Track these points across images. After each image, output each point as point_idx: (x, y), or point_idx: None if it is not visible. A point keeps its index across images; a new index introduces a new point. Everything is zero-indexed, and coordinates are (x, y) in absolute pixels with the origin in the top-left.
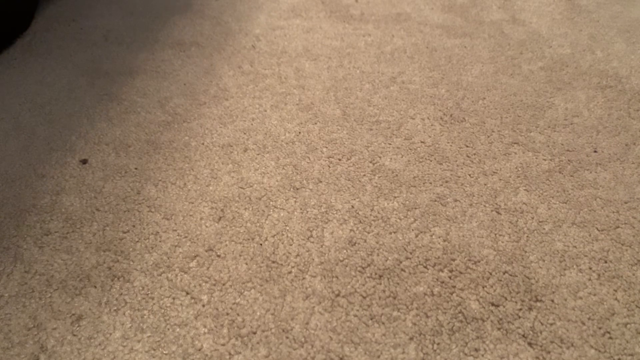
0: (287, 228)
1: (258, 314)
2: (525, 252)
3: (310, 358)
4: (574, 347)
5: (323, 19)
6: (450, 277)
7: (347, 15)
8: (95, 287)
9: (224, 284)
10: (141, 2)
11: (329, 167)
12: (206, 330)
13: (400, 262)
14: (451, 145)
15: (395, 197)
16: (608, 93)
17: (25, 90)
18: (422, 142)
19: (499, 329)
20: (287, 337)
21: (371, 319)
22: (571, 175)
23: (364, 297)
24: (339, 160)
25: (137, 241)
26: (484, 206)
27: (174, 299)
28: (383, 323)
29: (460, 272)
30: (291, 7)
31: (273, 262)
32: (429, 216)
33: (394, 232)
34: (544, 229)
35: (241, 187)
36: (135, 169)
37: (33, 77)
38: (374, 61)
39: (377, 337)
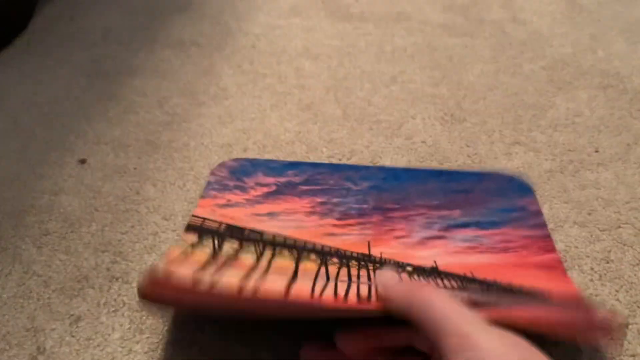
0: None
1: None
2: None
3: None
4: (575, 348)
5: (323, 18)
6: None
7: (347, 14)
8: (93, 288)
9: None
10: (140, 1)
11: None
12: None
13: None
14: (452, 145)
15: None
16: (609, 93)
17: (23, 90)
18: (422, 142)
19: None
20: None
21: None
22: (572, 175)
23: None
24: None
25: (136, 242)
26: None
27: None
28: None
29: None
30: (291, 7)
31: None
32: None
33: None
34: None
35: None
36: (134, 169)
37: (31, 77)
38: (374, 60)
39: None
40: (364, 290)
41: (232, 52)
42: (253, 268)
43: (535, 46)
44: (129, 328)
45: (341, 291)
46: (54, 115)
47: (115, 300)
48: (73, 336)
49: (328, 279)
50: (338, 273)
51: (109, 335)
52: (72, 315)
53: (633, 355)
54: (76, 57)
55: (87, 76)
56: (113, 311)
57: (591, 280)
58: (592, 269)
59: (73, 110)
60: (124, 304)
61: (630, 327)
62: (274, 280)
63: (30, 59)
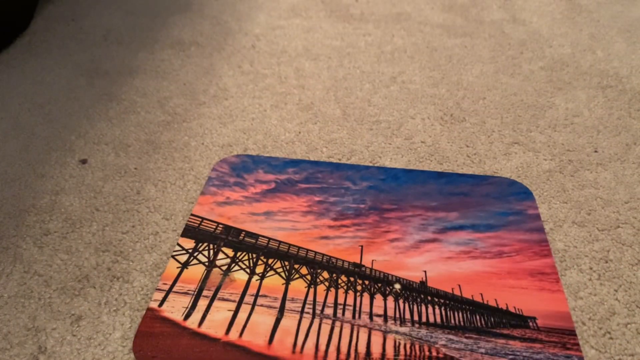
0: None
1: None
2: None
3: None
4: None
5: (323, 18)
6: None
7: (347, 14)
8: (94, 287)
9: None
10: (141, 1)
11: None
12: None
13: None
14: (451, 145)
15: None
16: (609, 93)
17: (24, 90)
18: (422, 142)
19: None
20: None
21: None
22: (571, 175)
23: None
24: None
25: (137, 241)
26: None
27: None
28: None
29: None
30: (291, 7)
31: None
32: None
33: None
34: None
35: None
36: (135, 169)
37: (32, 77)
38: (374, 61)
39: None
40: (345, 338)
41: (232, 52)
42: (244, 290)
43: (534, 46)
44: (130, 327)
45: (323, 342)
46: (55, 115)
47: (116, 299)
48: (74, 335)
49: (314, 315)
50: (324, 302)
51: (110, 334)
52: (73, 314)
53: (632, 355)
54: (77, 58)
55: (87, 76)
56: (114, 310)
57: (590, 279)
58: (590, 268)
59: (74, 110)
60: (125, 303)
61: (629, 326)
62: (259, 323)
63: (31, 59)
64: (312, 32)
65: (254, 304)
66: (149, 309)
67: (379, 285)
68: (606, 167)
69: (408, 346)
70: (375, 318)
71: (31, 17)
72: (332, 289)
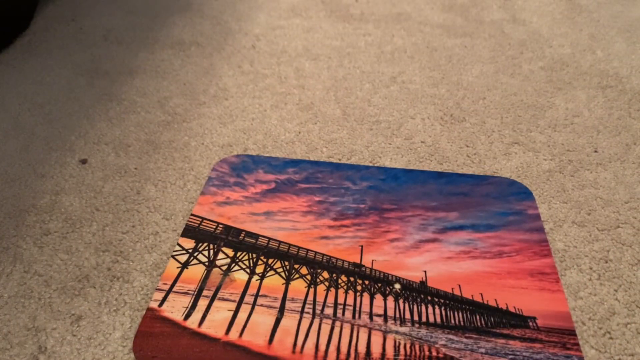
0: None
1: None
2: None
3: None
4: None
5: (323, 18)
6: None
7: (347, 14)
8: (94, 287)
9: None
10: (141, 1)
11: None
12: None
13: None
14: (451, 145)
15: None
16: (608, 93)
17: (24, 90)
18: (422, 142)
19: None
20: None
21: None
22: (571, 175)
23: None
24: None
25: (137, 241)
26: None
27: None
28: None
29: None
30: (291, 7)
31: None
32: None
33: None
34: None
35: None
36: (135, 168)
37: (32, 77)
38: (374, 61)
39: None
40: (345, 338)
41: (233, 52)
42: (244, 289)
43: (534, 46)
44: (130, 327)
45: (323, 342)
46: (55, 115)
47: (116, 299)
48: (74, 335)
49: (314, 315)
50: (324, 302)
51: (110, 334)
52: (73, 314)
53: (632, 355)
54: (77, 58)
55: (87, 76)
56: (114, 310)
57: (590, 279)
58: (590, 268)
59: (74, 110)
60: (125, 303)
61: (629, 326)
62: (259, 323)
63: (31, 59)
64: (312, 32)
65: (254, 304)
66: (149, 309)
67: (379, 285)
68: (606, 167)
69: (408, 346)
70: (375, 318)
71: (31, 17)
72: (332, 289)
